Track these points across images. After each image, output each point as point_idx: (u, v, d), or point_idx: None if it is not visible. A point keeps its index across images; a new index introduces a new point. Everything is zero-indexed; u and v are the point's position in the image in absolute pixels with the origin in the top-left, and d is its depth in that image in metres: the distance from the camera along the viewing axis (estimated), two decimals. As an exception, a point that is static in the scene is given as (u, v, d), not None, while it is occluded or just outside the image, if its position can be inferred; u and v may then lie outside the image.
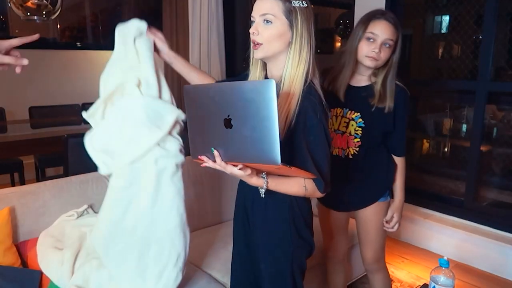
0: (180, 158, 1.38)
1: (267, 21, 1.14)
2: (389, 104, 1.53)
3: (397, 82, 1.56)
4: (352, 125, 1.57)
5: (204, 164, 1.08)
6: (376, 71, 1.56)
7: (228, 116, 1.00)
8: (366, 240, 1.74)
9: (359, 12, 3.12)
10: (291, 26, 1.14)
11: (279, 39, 1.15)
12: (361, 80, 1.59)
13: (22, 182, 3.24)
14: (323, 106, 1.17)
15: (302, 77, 1.16)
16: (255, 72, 1.28)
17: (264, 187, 1.11)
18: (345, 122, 1.59)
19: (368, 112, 1.55)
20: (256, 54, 1.19)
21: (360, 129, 1.56)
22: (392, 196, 1.72)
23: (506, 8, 2.65)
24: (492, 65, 2.63)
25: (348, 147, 1.60)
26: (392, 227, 1.69)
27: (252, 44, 1.19)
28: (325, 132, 1.15)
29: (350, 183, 1.64)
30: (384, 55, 1.49)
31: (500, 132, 2.88)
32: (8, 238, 1.59)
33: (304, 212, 1.29)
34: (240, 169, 1.03)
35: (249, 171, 1.05)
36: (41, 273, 1.55)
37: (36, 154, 3.42)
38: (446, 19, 3.12)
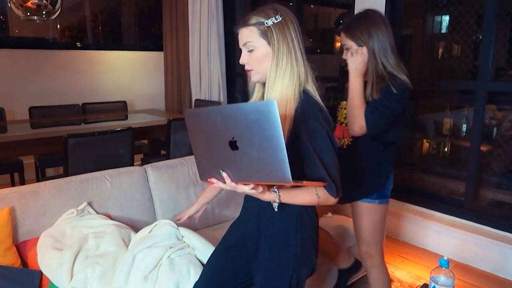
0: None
1: (250, 49, 1.21)
2: (369, 92, 1.59)
3: (395, 74, 1.60)
4: None
5: (213, 186, 1.10)
6: None
7: (233, 138, 0.99)
8: (357, 235, 1.81)
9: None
10: (269, 44, 1.19)
11: (265, 60, 1.21)
12: None
13: (22, 182, 3.24)
14: (322, 112, 1.18)
15: (287, 86, 1.18)
16: (258, 93, 1.33)
17: (277, 201, 1.12)
18: (345, 113, 1.67)
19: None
20: (252, 79, 1.27)
21: None
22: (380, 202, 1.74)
23: (506, 8, 2.64)
24: (492, 65, 2.63)
25: (343, 137, 1.71)
26: None
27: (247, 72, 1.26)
28: (329, 137, 1.15)
29: (344, 175, 1.65)
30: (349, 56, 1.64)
31: (500, 132, 2.88)
32: (8, 238, 1.59)
33: (312, 229, 1.28)
34: (252, 188, 1.05)
35: (260, 189, 1.06)
36: (41, 273, 1.55)
37: (36, 154, 3.42)
38: (446, 19, 3.11)
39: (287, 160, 0.94)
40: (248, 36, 1.20)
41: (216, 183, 1.09)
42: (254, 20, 1.19)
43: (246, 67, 1.25)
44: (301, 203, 1.17)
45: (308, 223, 1.26)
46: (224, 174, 1.05)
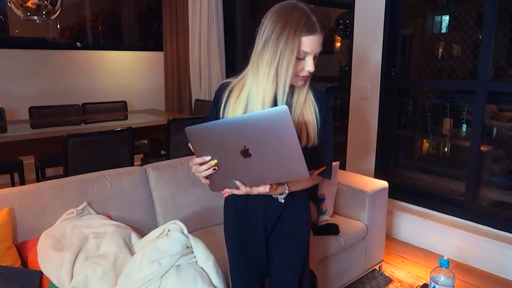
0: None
1: (316, 56, 1.18)
2: None
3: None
4: None
5: (227, 194, 1.16)
6: None
7: (244, 146, 1.02)
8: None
9: (359, 12, 3.12)
10: None
11: None
12: None
13: (22, 182, 3.24)
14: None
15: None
16: (240, 96, 1.26)
17: (286, 192, 1.20)
18: None
19: None
20: (301, 83, 1.22)
21: None
22: None
23: (506, 8, 2.64)
24: (492, 65, 2.63)
25: None
26: None
27: (299, 77, 1.19)
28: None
29: None
30: None
31: (500, 132, 2.88)
32: (8, 238, 1.59)
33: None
34: (268, 188, 1.12)
35: (274, 187, 1.15)
36: (41, 273, 1.55)
37: (36, 154, 3.42)
38: (446, 19, 3.11)
39: (304, 158, 0.99)
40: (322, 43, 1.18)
41: (231, 191, 1.13)
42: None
43: (308, 74, 1.19)
44: (303, 188, 1.29)
45: (308, 197, 1.43)
46: (238, 183, 1.09)
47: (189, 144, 1.13)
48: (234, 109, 1.23)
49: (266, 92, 1.18)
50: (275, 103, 1.20)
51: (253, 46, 1.20)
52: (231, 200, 1.42)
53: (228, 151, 1.05)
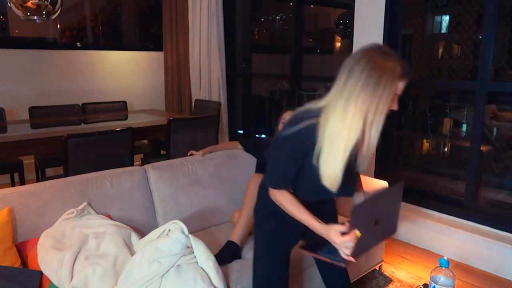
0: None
1: None
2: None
3: None
4: None
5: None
6: None
7: (376, 217, 1.22)
8: None
9: (359, 12, 3.12)
10: None
11: None
12: None
13: (22, 182, 3.24)
14: None
15: None
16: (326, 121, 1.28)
17: None
18: None
19: None
20: None
21: None
22: None
23: (506, 8, 2.64)
24: (492, 65, 2.63)
25: None
26: None
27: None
28: None
29: None
30: None
31: (500, 132, 2.88)
32: (8, 238, 1.59)
33: None
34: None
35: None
36: (41, 273, 1.55)
37: (36, 154, 3.42)
38: (446, 19, 3.11)
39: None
40: None
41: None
42: None
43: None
44: None
45: None
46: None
47: (347, 222, 1.21)
48: (320, 148, 1.26)
49: (352, 132, 1.22)
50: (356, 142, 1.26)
51: (336, 83, 1.25)
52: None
53: (370, 221, 1.21)
